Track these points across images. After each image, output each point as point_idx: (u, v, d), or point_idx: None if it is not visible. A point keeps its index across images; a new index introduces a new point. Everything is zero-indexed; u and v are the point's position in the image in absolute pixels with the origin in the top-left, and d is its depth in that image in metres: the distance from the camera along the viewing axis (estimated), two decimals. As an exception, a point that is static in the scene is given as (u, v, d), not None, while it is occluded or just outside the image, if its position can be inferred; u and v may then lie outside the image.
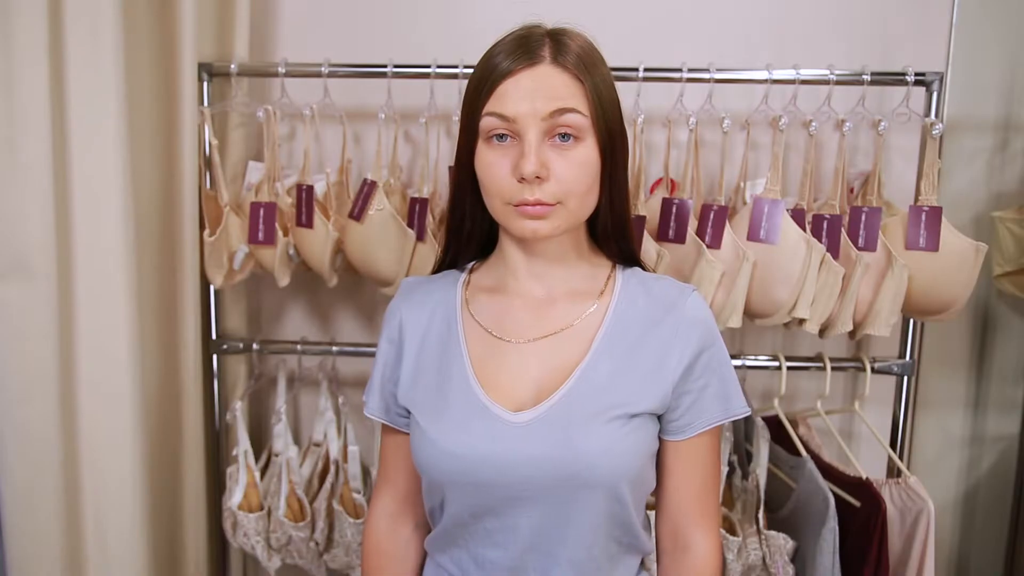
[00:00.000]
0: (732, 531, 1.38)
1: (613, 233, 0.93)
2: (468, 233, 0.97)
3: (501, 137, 0.84)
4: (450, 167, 1.42)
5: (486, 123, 0.84)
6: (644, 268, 0.97)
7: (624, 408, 0.85)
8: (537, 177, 0.81)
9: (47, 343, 1.24)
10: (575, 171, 0.83)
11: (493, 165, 0.85)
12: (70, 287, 1.26)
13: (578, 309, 0.91)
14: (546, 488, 0.85)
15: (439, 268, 1.02)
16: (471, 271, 1.00)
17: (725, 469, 1.41)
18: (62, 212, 1.24)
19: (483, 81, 0.85)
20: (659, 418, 0.90)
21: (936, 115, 1.35)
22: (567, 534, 0.87)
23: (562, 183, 0.83)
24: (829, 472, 1.38)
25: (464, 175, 0.91)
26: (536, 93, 0.82)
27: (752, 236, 1.30)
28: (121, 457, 1.31)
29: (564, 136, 0.83)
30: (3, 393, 1.24)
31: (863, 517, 1.31)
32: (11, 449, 1.25)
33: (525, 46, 0.83)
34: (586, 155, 0.84)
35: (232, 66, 1.41)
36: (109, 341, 1.28)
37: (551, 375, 0.88)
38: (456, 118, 1.41)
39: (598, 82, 0.84)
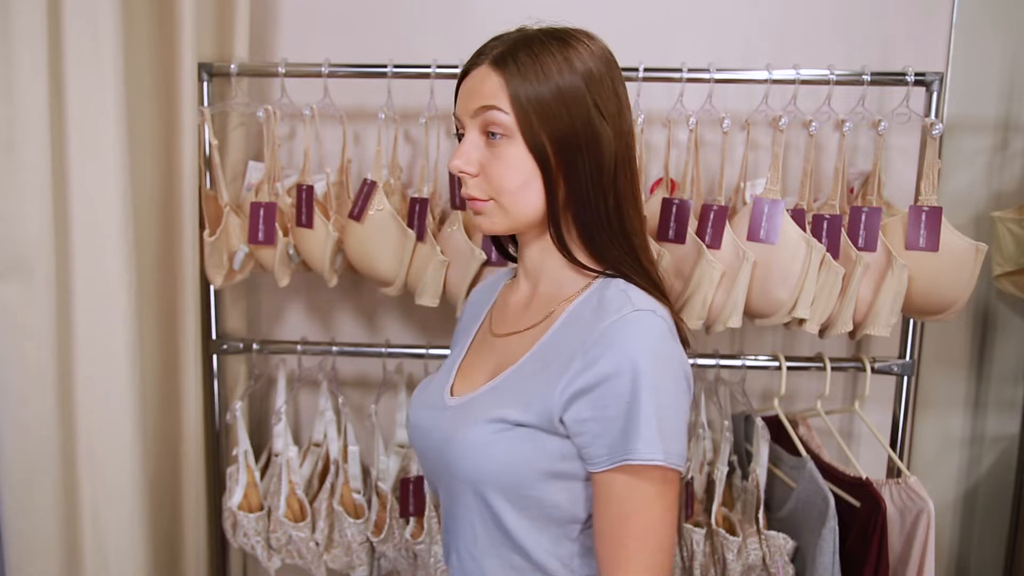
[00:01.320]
0: (732, 531, 1.38)
1: (579, 240, 0.89)
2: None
3: (460, 137, 0.90)
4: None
5: (454, 124, 0.91)
6: (633, 280, 0.89)
7: (509, 413, 0.84)
8: (463, 172, 0.86)
9: (46, 343, 1.24)
10: (500, 168, 0.85)
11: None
12: (68, 287, 1.26)
13: (545, 311, 0.91)
14: (437, 470, 0.92)
15: None
16: None
17: (725, 469, 1.41)
18: (60, 212, 1.24)
19: None
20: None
21: (936, 115, 1.35)
22: (456, 523, 0.91)
23: (490, 179, 0.86)
24: (829, 472, 1.38)
25: None
26: (471, 92, 0.86)
27: (752, 236, 1.30)
28: (119, 456, 1.31)
29: (493, 134, 0.85)
30: (2, 393, 1.24)
31: (863, 517, 1.31)
32: (9, 449, 1.25)
33: (482, 49, 0.88)
34: (513, 153, 0.84)
35: (232, 66, 1.41)
36: (107, 341, 1.28)
37: (497, 371, 0.91)
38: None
39: (531, 80, 0.82)
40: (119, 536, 1.32)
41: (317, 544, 1.48)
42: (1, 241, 1.20)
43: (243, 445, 1.50)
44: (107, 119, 1.23)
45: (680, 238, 1.33)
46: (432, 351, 1.51)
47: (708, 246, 1.30)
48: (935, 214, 1.28)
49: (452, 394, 0.94)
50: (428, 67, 1.37)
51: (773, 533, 1.36)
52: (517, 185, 0.85)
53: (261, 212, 1.41)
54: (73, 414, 1.29)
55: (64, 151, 1.23)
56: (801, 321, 1.33)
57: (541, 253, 0.92)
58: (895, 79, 1.35)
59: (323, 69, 1.39)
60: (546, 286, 0.93)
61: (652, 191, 1.46)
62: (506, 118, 0.83)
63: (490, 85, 0.84)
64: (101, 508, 1.32)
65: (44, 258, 1.21)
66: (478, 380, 0.93)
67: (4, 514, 1.27)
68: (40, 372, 1.24)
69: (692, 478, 1.44)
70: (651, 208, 1.37)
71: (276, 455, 1.55)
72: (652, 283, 0.90)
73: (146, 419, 1.36)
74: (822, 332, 1.36)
